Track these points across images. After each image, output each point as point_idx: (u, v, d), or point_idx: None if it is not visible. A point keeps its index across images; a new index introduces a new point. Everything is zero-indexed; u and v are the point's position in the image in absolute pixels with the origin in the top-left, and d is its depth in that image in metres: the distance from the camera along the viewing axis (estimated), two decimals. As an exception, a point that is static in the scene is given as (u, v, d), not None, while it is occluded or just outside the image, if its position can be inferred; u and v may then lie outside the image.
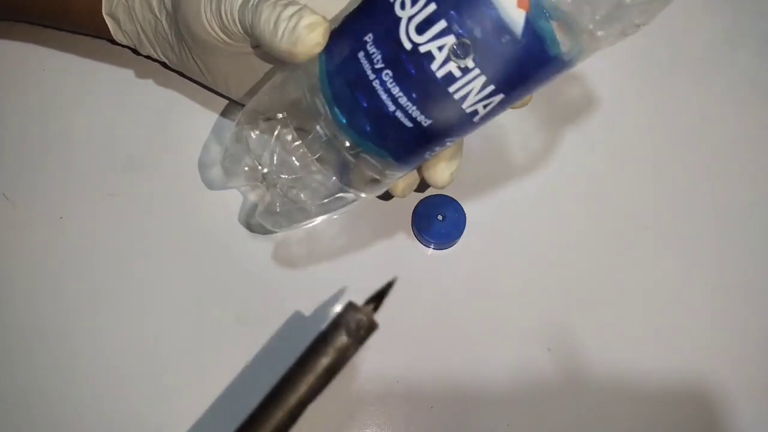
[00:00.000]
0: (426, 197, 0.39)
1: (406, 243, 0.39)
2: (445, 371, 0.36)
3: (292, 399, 0.21)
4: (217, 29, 0.31)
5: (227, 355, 0.36)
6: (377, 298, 0.23)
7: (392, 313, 0.37)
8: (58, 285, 0.37)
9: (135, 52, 0.40)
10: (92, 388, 0.35)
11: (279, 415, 0.21)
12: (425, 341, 0.37)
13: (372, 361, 0.36)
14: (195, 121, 0.40)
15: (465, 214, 0.38)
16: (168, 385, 0.35)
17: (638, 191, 0.40)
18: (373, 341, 0.37)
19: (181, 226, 0.38)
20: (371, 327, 0.22)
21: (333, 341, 0.22)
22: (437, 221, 0.38)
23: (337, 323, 0.22)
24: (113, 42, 0.38)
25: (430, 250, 0.39)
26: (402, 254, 0.38)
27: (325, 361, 0.21)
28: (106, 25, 0.37)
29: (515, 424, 0.35)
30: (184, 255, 0.38)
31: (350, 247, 0.38)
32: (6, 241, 0.38)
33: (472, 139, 0.40)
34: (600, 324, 0.37)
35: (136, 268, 0.38)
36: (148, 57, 0.39)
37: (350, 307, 0.22)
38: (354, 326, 0.22)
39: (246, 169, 0.31)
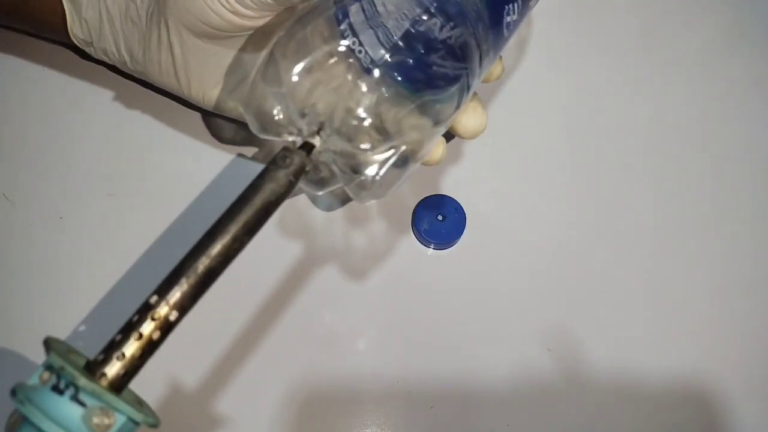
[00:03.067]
0: (426, 197, 0.39)
1: (406, 243, 0.39)
2: (445, 371, 0.36)
3: (233, 227, 0.24)
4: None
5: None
6: (308, 147, 0.26)
7: (392, 313, 0.37)
8: (58, 285, 0.37)
9: (85, 56, 0.38)
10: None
11: (222, 240, 0.24)
12: (425, 341, 0.37)
13: (372, 361, 0.36)
14: (197, 120, 0.40)
15: (465, 214, 0.38)
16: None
17: (638, 191, 0.40)
18: (374, 341, 0.37)
19: (181, 226, 0.38)
20: (302, 162, 0.25)
21: (267, 173, 0.24)
22: (437, 221, 0.38)
23: (271, 160, 0.25)
24: (67, 45, 0.37)
25: (430, 250, 0.39)
26: (402, 254, 0.38)
27: (260, 191, 0.24)
28: (62, 19, 0.34)
29: (515, 424, 0.35)
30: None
31: (350, 247, 0.38)
32: (6, 241, 0.38)
33: (473, 139, 0.40)
34: (600, 324, 0.37)
35: (136, 268, 0.37)
36: (101, 58, 0.36)
37: (283, 148, 0.25)
38: (285, 161, 0.24)
39: (280, 118, 0.28)
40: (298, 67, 0.26)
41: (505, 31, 0.28)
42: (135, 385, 0.23)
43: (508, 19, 0.28)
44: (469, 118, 0.31)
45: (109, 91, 0.41)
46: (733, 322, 0.38)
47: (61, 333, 0.36)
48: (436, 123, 0.27)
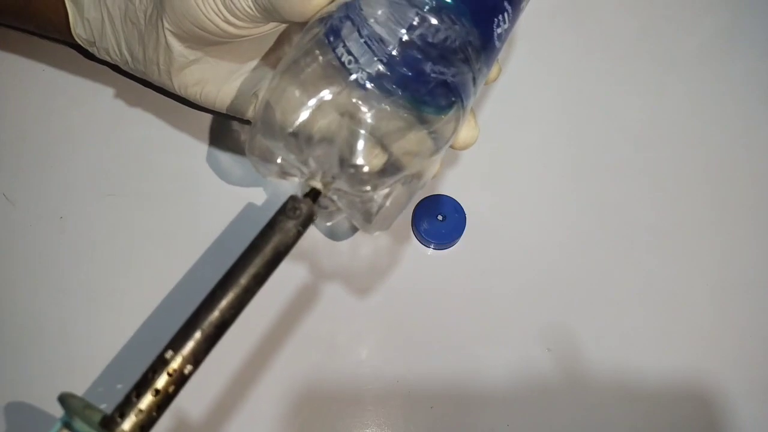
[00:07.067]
0: (426, 197, 0.39)
1: (406, 243, 0.39)
2: (445, 371, 0.36)
3: (243, 279, 0.24)
4: (221, 7, 0.29)
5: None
6: (314, 194, 0.27)
7: (392, 313, 0.37)
8: (58, 285, 0.37)
9: (87, 55, 0.38)
10: (91, 387, 0.35)
11: (234, 291, 0.24)
12: (425, 341, 0.37)
13: (372, 361, 0.36)
14: (197, 120, 0.40)
15: (465, 214, 0.38)
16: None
17: (638, 191, 0.40)
18: (374, 341, 0.37)
19: (181, 226, 0.38)
20: (311, 211, 0.25)
21: (276, 224, 0.25)
22: (437, 221, 0.38)
23: (280, 210, 0.25)
24: (71, 45, 0.37)
25: (430, 250, 0.39)
26: (402, 254, 0.38)
27: (270, 242, 0.25)
28: (65, 19, 0.35)
29: (515, 424, 0.35)
30: (184, 255, 0.38)
31: (350, 247, 0.38)
32: (6, 241, 0.38)
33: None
34: (600, 324, 0.37)
35: (135, 268, 0.38)
36: (104, 58, 0.36)
37: (291, 198, 0.26)
38: (294, 212, 0.25)
39: (282, 163, 0.28)
40: (294, 120, 0.26)
41: (496, 42, 0.28)
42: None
43: (499, 30, 0.28)
44: (467, 129, 0.31)
45: (110, 90, 0.41)
46: (733, 322, 0.38)
47: (60, 332, 0.36)
48: (436, 150, 0.28)
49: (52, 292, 0.37)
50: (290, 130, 0.26)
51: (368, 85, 0.25)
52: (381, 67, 0.25)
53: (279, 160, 0.27)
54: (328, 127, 0.26)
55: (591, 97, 0.42)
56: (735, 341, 0.37)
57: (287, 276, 0.38)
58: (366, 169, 0.26)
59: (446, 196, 0.39)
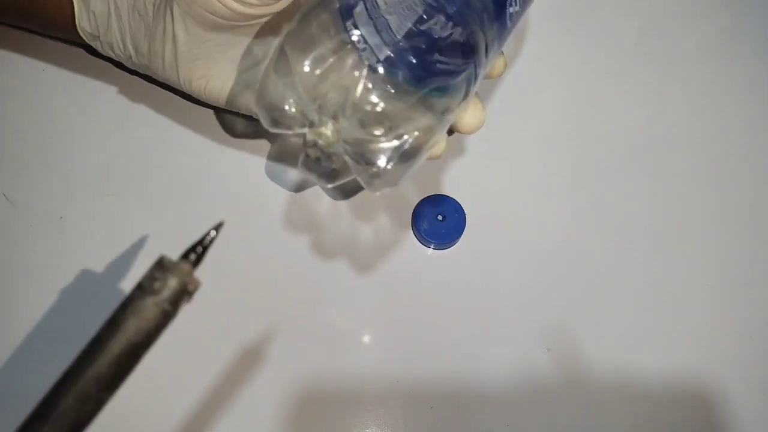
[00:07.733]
0: (426, 197, 0.39)
1: (406, 243, 0.39)
2: (445, 371, 0.36)
3: (82, 385, 0.17)
4: None
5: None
6: (196, 250, 0.19)
7: (392, 313, 0.37)
8: (58, 285, 0.37)
9: (91, 51, 0.38)
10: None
11: (68, 403, 0.17)
12: (425, 341, 0.37)
13: (372, 361, 0.36)
14: (197, 119, 0.40)
15: (465, 214, 0.38)
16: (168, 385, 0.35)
17: (638, 191, 0.40)
18: (374, 341, 0.37)
19: (182, 226, 0.38)
20: (183, 283, 0.17)
21: (129, 305, 0.18)
22: (437, 221, 0.38)
23: (137, 285, 0.18)
24: (74, 43, 0.37)
25: (430, 250, 0.39)
26: (402, 254, 0.38)
27: (120, 330, 0.17)
28: (69, 17, 0.35)
29: (515, 424, 0.35)
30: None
31: (350, 247, 0.38)
32: (6, 241, 0.38)
33: (473, 139, 0.40)
34: (600, 324, 0.37)
35: (135, 269, 0.37)
36: (107, 54, 0.36)
37: (156, 264, 0.18)
38: (153, 284, 0.18)
39: (292, 111, 0.27)
40: (309, 59, 0.26)
41: (508, 22, 0.28)
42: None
43: (511, 10, 0.28)
44: (468, 114, 0.31)
45: (112, 88, 0.41)
46: (733, 322, 0.38)
47: (60, 332, 0.36)
48: (445, 111, 0.28)
49: (52, 293, 0.37)
50: (305, 66, 0.26)
51: (372, 61, 0.25)
52: (387, 51, 0.25)
53: (288, 109, 0.27)
54: (341, 69, 0.26)
55: (591, 97, 0.42)
56: (735, 341, 0.37)
57: (286, 276, 0.38)
58: (380, 107, 0.26)
59: (446, 196, 0.39)
